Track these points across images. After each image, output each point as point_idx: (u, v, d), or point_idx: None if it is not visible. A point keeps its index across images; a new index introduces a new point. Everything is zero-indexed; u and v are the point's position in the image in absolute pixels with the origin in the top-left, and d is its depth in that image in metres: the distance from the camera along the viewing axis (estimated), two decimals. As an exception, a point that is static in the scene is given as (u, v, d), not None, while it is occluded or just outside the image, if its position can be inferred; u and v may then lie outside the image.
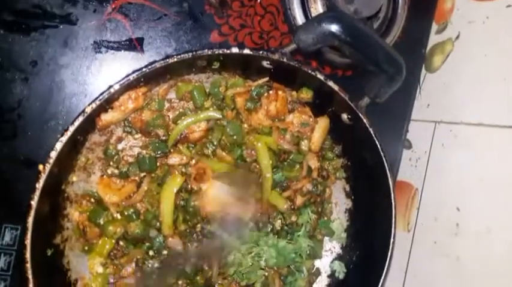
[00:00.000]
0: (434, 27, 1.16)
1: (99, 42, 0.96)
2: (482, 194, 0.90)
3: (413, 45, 1.15)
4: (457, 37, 1.07)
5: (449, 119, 1.03)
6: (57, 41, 0.94)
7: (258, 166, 0.94)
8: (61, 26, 0.94)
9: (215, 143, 0.91)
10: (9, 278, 0.92)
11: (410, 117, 1.16)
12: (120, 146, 0.89)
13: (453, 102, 1.04)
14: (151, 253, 0.88)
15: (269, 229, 0.94)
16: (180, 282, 0.90)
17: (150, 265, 0.88)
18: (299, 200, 0.96)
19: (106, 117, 0.82)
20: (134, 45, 0.98)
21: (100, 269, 0.86)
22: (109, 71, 0.96)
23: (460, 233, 0.94)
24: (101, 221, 0.85)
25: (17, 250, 0.92)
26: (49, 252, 0.82)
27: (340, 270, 1.02)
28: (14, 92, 0.92)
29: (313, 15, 1.02)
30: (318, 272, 1.02)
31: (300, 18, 1.03)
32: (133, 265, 0.89)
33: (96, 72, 0.96)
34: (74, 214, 0.86)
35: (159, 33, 0.99)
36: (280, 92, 0.92)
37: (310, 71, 0.83)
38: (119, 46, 0.97)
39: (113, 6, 0.96)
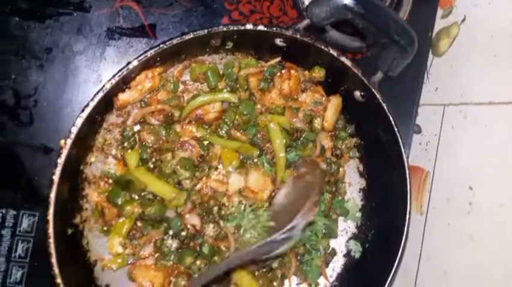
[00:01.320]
0: (440, 12, 1.17)
1: (113, 29, 0.98)
2: (494, 171, 0.90)
3: (419, 30, 1.13)
4: (463, 20, 1.08)
5: (459, 100, 1.04)
6: (72, 28, 0.96)
7: (271, 146, 0.95)
8: (75, 14, 0.96)
9: (229, 123, 0.92)
10: (27, 265, 0.93)
11: (419, 102, 1.17)
12: (136, 128, 0.90)
13: (462, 84, 1.04)
14: (170, 232, 0.89)
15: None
16: (198, 262, 0.90)
17: (168, 246, 0.88)
18: (313, 180, 0.96)
19: (123, 97, 0.84)
20: (147, 31, 0.99)
21: (119, 249, 0.87)
22: (123, 57, 0.98)
23: (473, 212, 0.93)
24: (119, 201, 0.86)
25: (35, 236, 0.93)
26: (69, 231, 0.83)
27: (356, 249, 1.02)
28: (30, 79, 0.94)
29: (321, -1, 1.04)
30: (333, 252, 1.03)
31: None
32: (152, 245, 0.89)
33: (109, 58, 0.97)
34: (93, 195, 0.87)
35: (170, 19, 1.00)
36: (292, 71, 0.93)
37: (323, 47, 0.84)
38: (131, 33, 0.98)
39: (125, -7, 0.98)
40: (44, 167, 0.94)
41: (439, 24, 1.16)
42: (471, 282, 0.89)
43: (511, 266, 0.83)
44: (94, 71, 0.97)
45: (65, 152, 0.73)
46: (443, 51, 1.13)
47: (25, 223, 0.93)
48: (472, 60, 1.03)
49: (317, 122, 0.95)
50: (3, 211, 0.92)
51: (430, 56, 1.17)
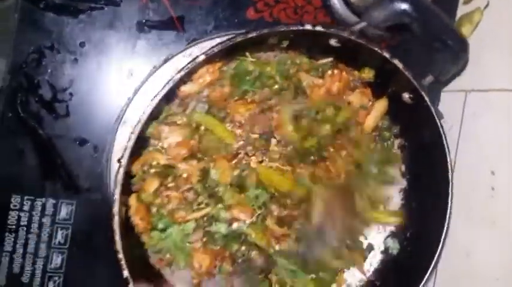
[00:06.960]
0: (462, -3, 1.21)
1: (142, 23, 1.03)
2: (516, 156, 0.95)
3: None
4: (486, 6, 1.10)
5: (481, 87, 1.08)
6: (103, 22, 1.01)
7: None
8: (106, 8, 1.01)
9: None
10: (67, 251, 1.01)
11: (441, 89, 1.21)
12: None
13: (484, 71, 1.08)
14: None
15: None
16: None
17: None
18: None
19: (185, 89, 0.91)
20: (175, 24, 1.05)
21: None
22: (153, 50, 1.04)
23: (496, 196, 0.98)
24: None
25: (73, 224, 1.01)
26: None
27: (394, 247, 1.06)
28: (66, 73, 1.00)
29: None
30: (370, 248, 1.08)
31: (333, -9, 1.10)
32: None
33: (140, 51, 1.03)
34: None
35: (198, 11, 1.06)
36: (344, 73, 1.00)
37: (376, 49, 0.88)
38: (161, 25, 1.04)
39: (154, -14, 1.04)
40: (80, 158, 1.02)
41: (461, 10, 1.18)
42: (493, 265, 0.96)
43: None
44: (125, 63, 1.03)
45: (133, 138, 0.81)
46: (465, 37, 1.18)
47: (63, 211, 1.01)
48: (495, 47, 1.06)
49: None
50: (43, 200, 1.00)
51: (452, 42, 1.21)
